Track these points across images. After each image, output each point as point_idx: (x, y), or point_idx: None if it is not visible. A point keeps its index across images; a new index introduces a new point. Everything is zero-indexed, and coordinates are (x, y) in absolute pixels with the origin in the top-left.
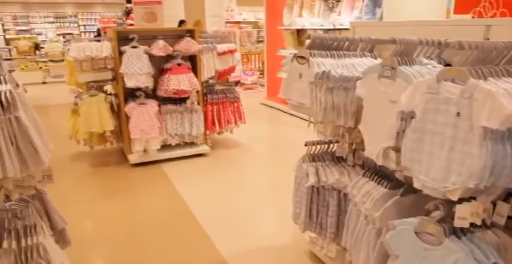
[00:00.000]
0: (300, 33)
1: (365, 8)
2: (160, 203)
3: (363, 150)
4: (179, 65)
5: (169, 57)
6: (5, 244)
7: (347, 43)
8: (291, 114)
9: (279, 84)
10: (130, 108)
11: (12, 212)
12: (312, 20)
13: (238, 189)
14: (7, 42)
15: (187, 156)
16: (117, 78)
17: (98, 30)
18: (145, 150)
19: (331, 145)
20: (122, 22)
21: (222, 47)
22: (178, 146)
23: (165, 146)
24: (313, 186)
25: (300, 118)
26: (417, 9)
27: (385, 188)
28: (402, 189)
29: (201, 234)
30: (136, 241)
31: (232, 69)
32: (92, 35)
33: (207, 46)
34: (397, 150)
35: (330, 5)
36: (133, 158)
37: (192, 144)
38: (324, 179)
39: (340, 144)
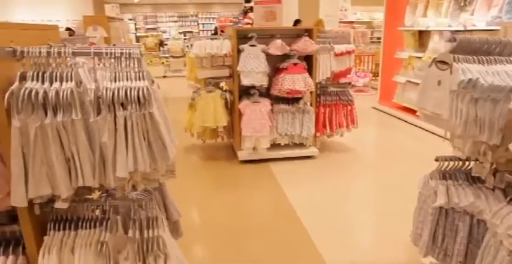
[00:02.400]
0: (422, 34)
1: (506, 6)
2: (266, 202)
3: (508, 172)
4: (295, 64)
5: (285, 57)
6: (130, 233)
7: (499, 47)
8: (405, 121)
9: (394, 89)
10: (244, 105)
11: (138, 203)
12: (439, 20)
13: (346, 196)
14: (137, 39)
15: (295, 157)
16: (233, 75)
17: (215, 28)
18: (254, 148)
19: (467, 163)
20: (237, 21)
21: (340, 48)
22: (287, 146)
23: (274, 145)
24: (441, 207)
25: (417, 126)
26: None
27: None
28: None
29: (305, 237)
30: (239, 237)
31: (348, 70)
32: (209, 33)
33: (324, 46)
34: None
35: (461, 4)
36: (242, 155)
37: (301, 145)
38: (455, 200)
39: (479, 162)
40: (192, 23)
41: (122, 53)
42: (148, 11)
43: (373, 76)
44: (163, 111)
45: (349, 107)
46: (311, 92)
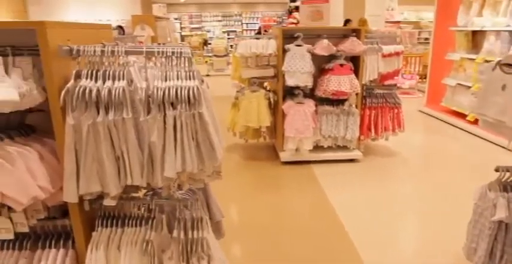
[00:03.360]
0: (475, 35)
1: None
2: (308, 204)
3: None
4: (341, 65)
5: (331, 57)
6: (175, 233)
7: None
8: (455, 126)
9: (442, 91)
10: (288, 106)
11: (183, 203)
12: (495, 20)
13: (389, 201)
14: (182, 38)
15: (338, 160)
16: (278, 75)
17: (259, 28)
18: (297, 149)
19: None
20: (281, 21)
21: (388, 48)
22: (330, 148)
23: (316, 147)
24: (500, 222)
25: (467, 132)
26: None
27: None
28: None
29: (346, 241)
30: (279, 238)
31: (396, 72)
32: (252, 33)
33: (372, 47)
34: None
35: None
36: (284, 156)
37: (344, 148)
38: None
39: None
40: (236, 23)
41: (173, 52)
42: (193, 10)
43: (420, 78)
44: (211, 111)
45: (396, 110)
46: (357, 94)
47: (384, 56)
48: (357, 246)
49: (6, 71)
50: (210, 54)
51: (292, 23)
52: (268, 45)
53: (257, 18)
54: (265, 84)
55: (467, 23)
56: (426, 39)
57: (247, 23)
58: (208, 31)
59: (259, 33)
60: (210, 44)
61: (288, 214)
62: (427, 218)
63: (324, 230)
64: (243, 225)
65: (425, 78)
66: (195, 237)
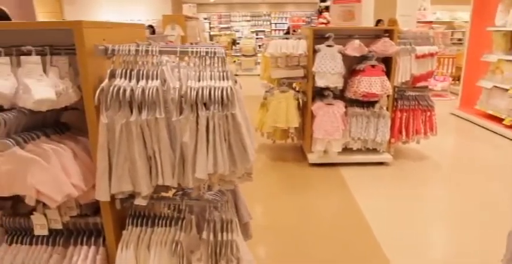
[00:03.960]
0: None
1: None
2: (335, 207)
3: None
4: (373, 66)
5: (362, 58)
6: (204, 235)
7: None
8: (490, 130)
9: (477, 94)
10: (317, 107)
11: (213, 204)
12: None
13: (420, 206)
14: (211, 38)
15: (368, 163)
16: (308, 76)
17: (288, 28)
18: (325, 151)
19: None
20: (309, 21)
21: (422, 49)
22: (359, 151)
23: (345, 149)
24: None
25: (503, 137)
26: None
27: None
28: None
29: (374, 245)
30: (304, 241)
31: (430, 74)
32: (281, 33)
33: (405, 48)
34: None
35: None
36: (312, 157)
37: (374, 150)
38: None
39: None
40: (265, 23)
41: (206, 52)
42: (222, 10)
43: (452, 80)
44: (244, 112)
45: (429, 113)
46: (388, 96)
47: (417, 57)
48: (385, 251)
49: (44, 70)
50: (238, 54)
51: (322, 23)
52: (299, 46)
53: (286, 18)
54: (294, 84)
55: (506, 23)
56: (459, 39)
57: (275, 23)
58: (237, 31)
59: (287, 33)
60: (238, 43)
61: (315, 216)
62: (458, 224)
63: (352, 233)
64: (269, 226)
65: (458, 80)
66: (224, 239)
